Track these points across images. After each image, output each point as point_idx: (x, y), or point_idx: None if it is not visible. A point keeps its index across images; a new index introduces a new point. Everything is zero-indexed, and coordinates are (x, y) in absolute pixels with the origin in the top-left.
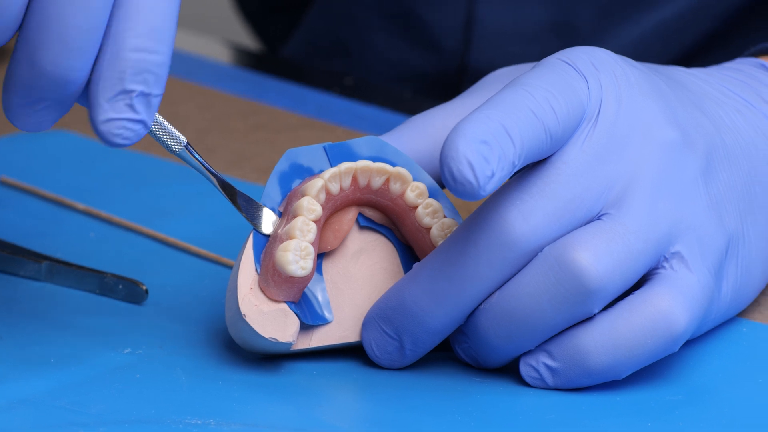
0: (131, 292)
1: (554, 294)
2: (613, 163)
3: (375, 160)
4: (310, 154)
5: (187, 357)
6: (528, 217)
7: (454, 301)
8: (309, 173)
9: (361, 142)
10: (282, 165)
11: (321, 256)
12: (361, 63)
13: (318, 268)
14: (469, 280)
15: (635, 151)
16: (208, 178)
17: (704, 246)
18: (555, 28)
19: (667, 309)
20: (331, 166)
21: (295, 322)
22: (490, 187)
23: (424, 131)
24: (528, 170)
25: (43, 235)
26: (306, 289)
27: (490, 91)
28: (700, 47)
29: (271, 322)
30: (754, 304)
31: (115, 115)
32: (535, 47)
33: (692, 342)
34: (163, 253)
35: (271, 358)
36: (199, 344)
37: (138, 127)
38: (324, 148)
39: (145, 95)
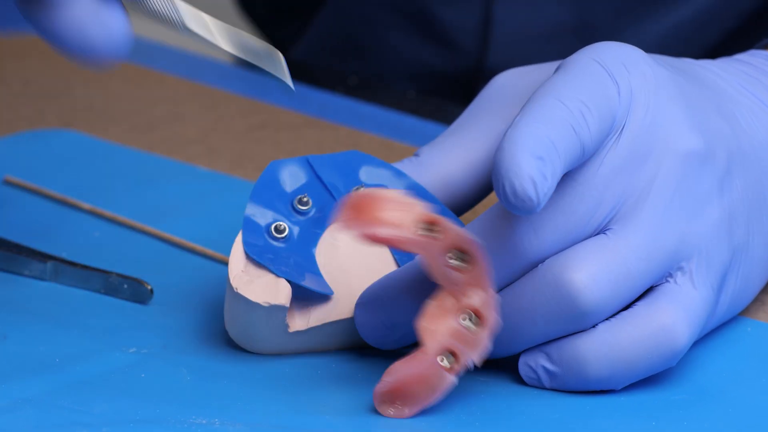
0: (136, 291)
1: (548, 310)
2: (630, 176)
3: (353, 171)
4: (293, 165)
5: (191, 356)
6: (538, 230)
7: None
8: (296, 183)
9: (344, 156)
10: (265, 176)
11: (315, 242)
12: (375, 62)
13: (312, 258)
14: None
15: (654, 163)
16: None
17: (710, 262)
18: (573, 28)
19: (671, 325)
20: (317, 177)
21: (286, 287)
22: (544, 202)
23: (436, 167)
24: None
25: (47, 235)
26: (306, 265)
27: (499, 105)
28: (720, 46)
29: (263, 288)
30: (758, 303)
31: None
32: (553, 47)
33: (696, 342)
34: (168, 252)
35: (275, 356)
36: (204, 343)
37: None
38: (307, 160)
39: None
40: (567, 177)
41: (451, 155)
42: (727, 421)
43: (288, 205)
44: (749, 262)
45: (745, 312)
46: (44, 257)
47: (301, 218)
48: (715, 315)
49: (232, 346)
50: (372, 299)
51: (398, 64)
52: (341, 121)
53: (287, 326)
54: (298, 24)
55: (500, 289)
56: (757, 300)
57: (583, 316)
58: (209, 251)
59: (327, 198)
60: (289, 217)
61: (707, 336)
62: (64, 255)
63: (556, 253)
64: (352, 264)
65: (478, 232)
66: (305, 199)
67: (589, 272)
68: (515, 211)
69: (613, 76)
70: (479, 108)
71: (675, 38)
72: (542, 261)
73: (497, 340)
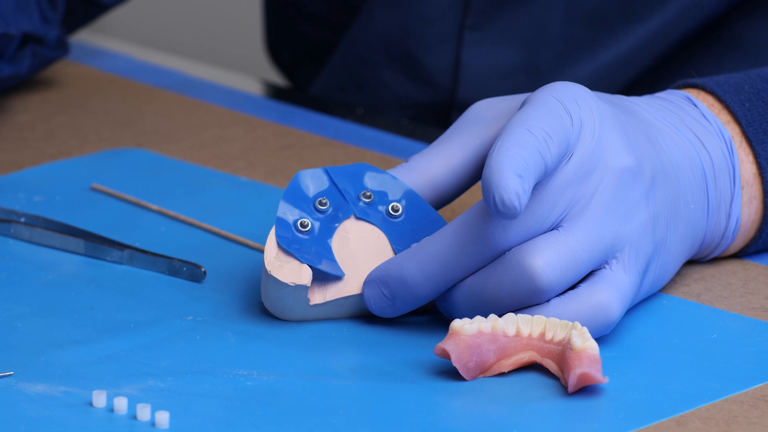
0: (193, 273)
1: (512, 288)
2: (579, 186)
3: (360, 178)
4: (314, 174)
5: (235, 322)
6: (506, 226)
7: (441, 280)
8: (316, 188)
9: (353, 167)
10: (293, 183)
11: (331, 234)
12: (373, 96)
13: (328, 247)
14: (454, 267)
15: (598, 176)
16: None
17: (638, 254)
18: (524, 68)
19: (606, 302)
20: (333, 183)
21: (308, 270)
22: (522, 210)
23: (424, 171)
24: None
25: (124, 229)
26: (324, 253)
27: (474, 126)
28: (639, 81)
29: (290, 272)
30: (672, 283)
31: None
32: (508, 83)
33: (625, 313)
34: (217, 243)
35: (300, 323)
36: (245, 313)
37: None
38: (326, 170)
39: None
40: None
41: (435, 162)
42: (647, 371)
43: (310, 205)
44: (667, 253)
45: (661, 289)
46: (122, 246)
47: (321, 216)
48: (640, 294)
49: (266, 315)
50: (377, 278)
51: (389, 96)
52: (351, 142)
53: (309, 300)
54: (314, 67)
55: (476, 271)
56: (671, 281)
57: (539, 293)
58: (249, 242)
59: (340, 199)
60: (311, 214)
61: (633, 308)
62: (137, 245)
63: (520, 243)
64: (359, 251)
65: (460, 227)
66: (324, 201)
67: (545, 258)
68: (501, 217)
69: (568, 109)
70: (459, 127)
71: (603, 75)
72: (509, 250)
73: (472, 311)
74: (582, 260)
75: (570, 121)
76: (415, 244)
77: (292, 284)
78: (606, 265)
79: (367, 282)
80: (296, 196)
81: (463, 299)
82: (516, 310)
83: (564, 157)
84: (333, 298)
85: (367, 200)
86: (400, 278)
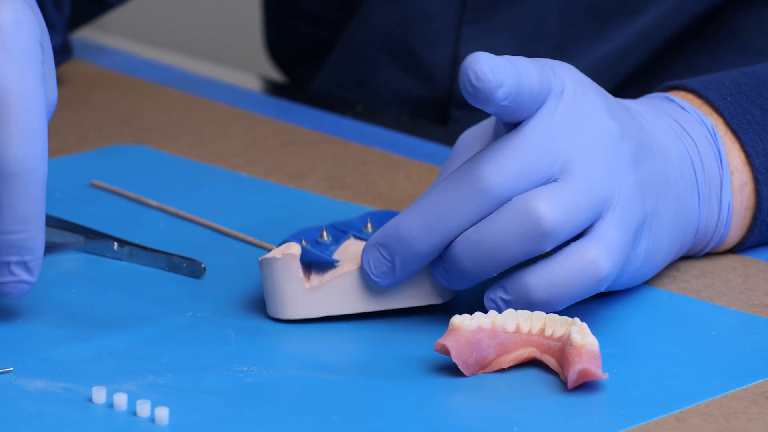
0: (193, 269)
1: (518, 232)
2: (568, 139)
3: (360, 223)
4: (315, 229)
5: (235, 319)
6: (500, 171)
7: (439, 232)
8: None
9: (359, 217)
10: (292, 235)
11: (331, 253)
12: (372, 91)
13: (326, 248)
14: (452, 217)
15: (585, 133)
16: None
17: (628, 215)
18: None
19: (595, 258)
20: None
21: (296, 246)
22: (500, 94)
23: (428, 215)
24: (502, 137)
25: (124, 226)
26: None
27: (460, 161)
28: (635, 75)
29: (278, 250)
30: (670, 278)
31: (2, 279)
32: None
33: (622, 306)
34: (217, 239)
35: (301, 322)
36: (245, 309)
37: (22, 285)
38: (325, 227)
39: (21, 263)
40: (518, 133)
41: (440, 206)
42: (647, 368)
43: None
44: (659, 226)
45: (660, 285)
46: (122, 243)
47: (320, 245)
48: (633, 265)
49: (266, 311)
50: (374, 241)
51: (388, 92)
52: (351, 139)
53: (304, 280)
54: (314, 65)
55: (476, 223)
56: (669, 275)
57: (545, 236)
58: (249, 238)
59: (341, 233)
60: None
61: (632, 304)
62: (137, 241)
63: (514, 189)
64: (358, 253)
65: (453, 176)
66: (325, 234)
67: (550, 202)
68: (477, 101)
69: (552, 67)
70: (450, 165)
71: (600, 68)
72: (507, 199)
73: (475, 264)
74: (583, 207)
75: (552, 72)
76: (414, 202)
77: (280, 255)
78: (595, 223)
79: (365, 249)
80: (296, 239)
81: (466, 251)
82: (513, 270)
83: (548, 95)
84: (330, 279)
85: (369, 231)
86: (397, 236)
